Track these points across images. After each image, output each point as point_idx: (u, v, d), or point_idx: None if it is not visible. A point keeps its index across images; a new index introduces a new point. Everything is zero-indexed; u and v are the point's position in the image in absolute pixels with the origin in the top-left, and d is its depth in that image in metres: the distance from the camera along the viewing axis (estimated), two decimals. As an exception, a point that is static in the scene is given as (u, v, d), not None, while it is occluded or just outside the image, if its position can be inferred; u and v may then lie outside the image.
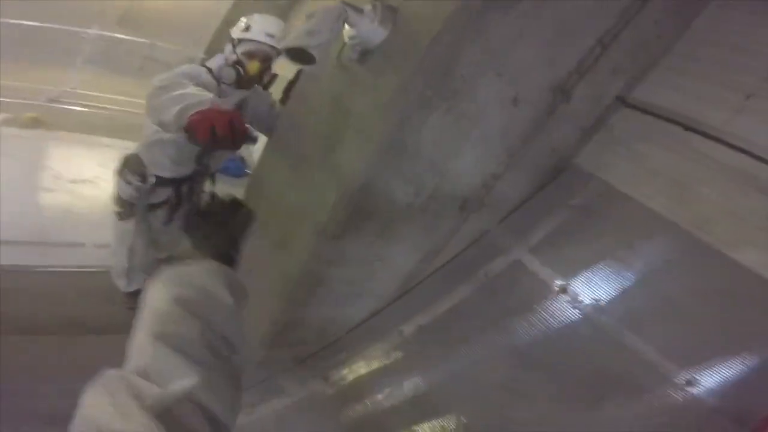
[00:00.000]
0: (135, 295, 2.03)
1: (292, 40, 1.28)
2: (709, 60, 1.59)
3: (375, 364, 1.96)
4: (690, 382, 1.39)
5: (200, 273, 0.80)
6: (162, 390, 0.57)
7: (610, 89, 1.71)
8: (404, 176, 1.54)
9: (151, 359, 0.63)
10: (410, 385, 1.85)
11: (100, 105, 4.75)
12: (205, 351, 0.66)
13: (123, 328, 0.76)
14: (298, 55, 1.31)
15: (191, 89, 1.46)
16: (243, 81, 1.93)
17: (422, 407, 1.80)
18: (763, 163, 1.43)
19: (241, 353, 0.75)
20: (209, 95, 1.41)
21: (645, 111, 1.72)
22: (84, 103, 4.69)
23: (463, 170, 1.64)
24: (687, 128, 1.60)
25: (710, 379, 1.37)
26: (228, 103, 1.89)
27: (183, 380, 0.60)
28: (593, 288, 1.68)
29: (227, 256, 0.93)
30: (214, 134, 1.25)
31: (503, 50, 1.36)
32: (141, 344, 0.66)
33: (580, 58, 1.52)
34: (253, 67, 1.93)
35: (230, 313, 0.76)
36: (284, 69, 1.97)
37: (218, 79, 1.88)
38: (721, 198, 1.51)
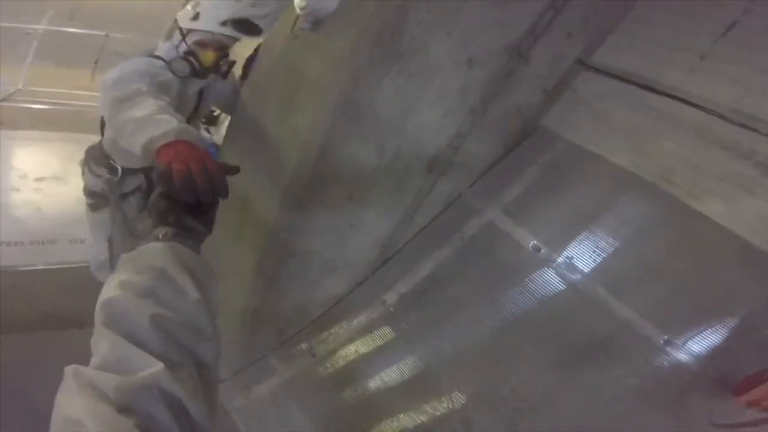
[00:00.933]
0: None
1: (236, 12, 1.28)
2: (664, 23, 1.66)
3: (360, 337, 2.00)
4: (668, 343, 1.43)
5: (153, 256, 0.75)
6: (120, 380, 0.55)
7: (568, 52, 1.75)
8: (363, 137, 1.55)
9: (107, 351, 0.60)
10: (396, 355, 1.90)
11: (58, 101, 4.58)
12: (160, 337, 0.63)
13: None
14: (244, 26, 1.30)
15: (152, 104, 1.29)
16: (198, 72, 1.78)
17: (409, 376, 1.85)
18: (718, 117, 1.51)
19: (210, 339, 0.71)
20: (174, 122, 1.18)
21: (605, 73, 1.79)
22: (41, 100, 4.52)
23: (424, 129, 1.66)
24: (644, 87, 1.67)
25: (689, 339, 1.41)
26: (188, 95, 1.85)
27: (143, 369, 0.57)
28: (567, 246, 1.73)
29: (193, 232, 0.88)
30: (193, 182, 0.95)
31: (452, 10, 1.39)
32: (97, 337, 0.63)
33: (533, 21, 1.56)
34: (207, 57, 1.76)
35: (190, 296, 0.71)
36: (245, 48, 1.94)
37: (173, 72, 1.72)
38: (682, 151, 1.58)
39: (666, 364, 1.43)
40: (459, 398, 1.72)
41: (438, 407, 1.74)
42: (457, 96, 1.63)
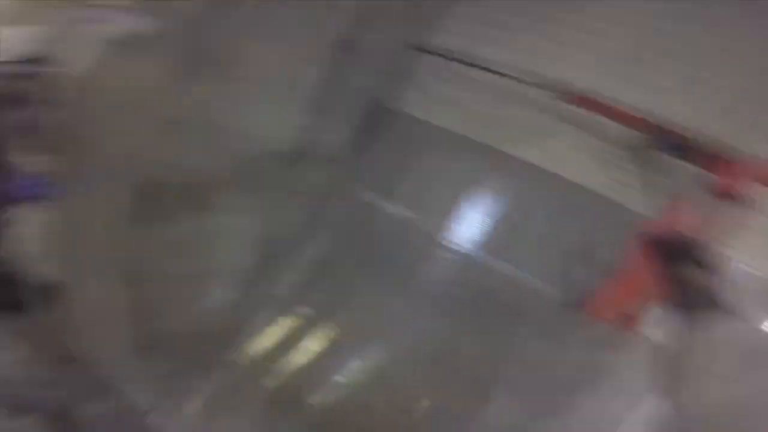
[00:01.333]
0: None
1: (32, 49, 1.29)
2: (489, 4, 1.93)
3: (267, 332, 2.03)
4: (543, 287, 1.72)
5: None
6: None
7: (400, 36, 1.94)
8: (197, 147, 1.59)
9: None
10: (308, 343, 1.98)
11: None
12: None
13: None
14: (44, 61, 1.32)
15: None
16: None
17: (320, 357, 1.95)
18: (521, 82, 1.80)
19: (50, 388, 0.75)
20: None
21: (437, 54, 1.99)
22: None
23: (266, 128, 1.75)
24: (468, 64, 1.91)
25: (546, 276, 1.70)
26: None
27: None
28: (433, 211, 1.96)
29: (17, 305, 0.90)
30: None
31: (265, 14, 1.49)
32: None
33: (356, 12, 1.70)
34: (14, 88, 1.66)
35: (17, 364, 0.76)
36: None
37: None
38: (501, 112, 1.87)
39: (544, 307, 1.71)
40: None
41: (354, 385, 1.85)
42: (293, 91, 1.73)
